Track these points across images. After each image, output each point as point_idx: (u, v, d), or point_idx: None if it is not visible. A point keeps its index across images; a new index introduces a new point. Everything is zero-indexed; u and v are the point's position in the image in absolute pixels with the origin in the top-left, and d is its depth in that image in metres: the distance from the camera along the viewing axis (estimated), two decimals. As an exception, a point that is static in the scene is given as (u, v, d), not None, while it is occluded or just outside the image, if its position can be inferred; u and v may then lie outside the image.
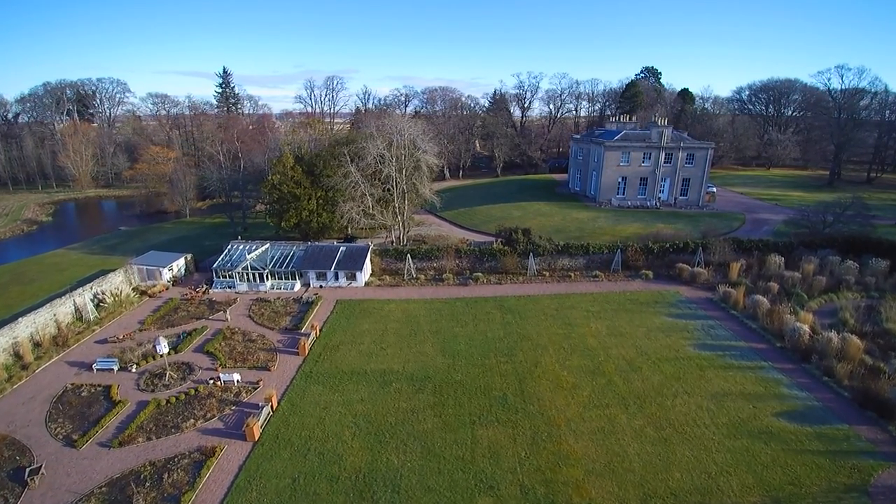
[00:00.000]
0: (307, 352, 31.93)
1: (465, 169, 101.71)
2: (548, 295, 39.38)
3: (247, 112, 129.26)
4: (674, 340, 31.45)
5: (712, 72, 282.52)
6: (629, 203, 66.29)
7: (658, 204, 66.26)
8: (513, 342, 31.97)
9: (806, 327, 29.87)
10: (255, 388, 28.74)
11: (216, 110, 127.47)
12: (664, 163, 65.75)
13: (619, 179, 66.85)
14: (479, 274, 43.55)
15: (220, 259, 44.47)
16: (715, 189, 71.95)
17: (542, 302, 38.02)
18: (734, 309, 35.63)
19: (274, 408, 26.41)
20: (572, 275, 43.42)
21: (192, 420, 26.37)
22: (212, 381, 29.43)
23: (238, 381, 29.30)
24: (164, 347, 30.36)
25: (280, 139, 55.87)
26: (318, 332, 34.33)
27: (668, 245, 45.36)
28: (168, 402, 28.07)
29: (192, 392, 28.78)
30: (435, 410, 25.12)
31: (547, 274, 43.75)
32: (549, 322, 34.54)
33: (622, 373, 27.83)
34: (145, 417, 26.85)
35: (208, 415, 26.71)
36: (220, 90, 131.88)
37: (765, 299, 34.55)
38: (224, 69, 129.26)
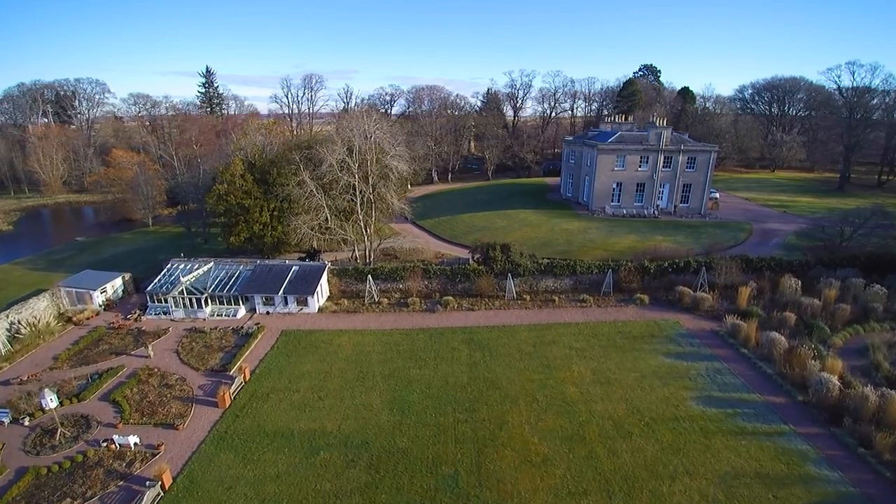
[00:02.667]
0: (228, 403, 26.34)
1: (455, 171, 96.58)
2: (526, 325, 33.76)
3: (233, 112, 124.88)
4: (672, 392, 25.90)
5: (714, 70, 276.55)
6: (624, 211, 61.11)
7: (656, 212, 61.06)
8: (477, 391, 26.43)
9: (835, 379, 24.32)
10: (155, 455, 23.29)
11: (199, 111, 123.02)
12: (663, 167, 60.52)
13: (614, 185, 61.60)
14: (450, 298, 37.94)
15: (156, 280, 39.25)
16: (718, 195, 66.78)
17: (518, 335, 32.44)
18: (745, 347, 29.94)
19: (166, 487, 20.95)
20: (556, 299, 37.82)
21: (68, 499, 21.11)
22: (105, 445, 24.01)
23: (135, 446, 23.77)
24: (50, 402, 25.04)
25: (232, 144, 50.56)
26: (246, 376, 28.64)
27: (666, 264, 40.19)
28: (49, 470, 22.82)
29: (80, 458, 23.24)
30: (365, 496, 19.60)
31: (528, 298, 38.19)
32: (524, 363, 28.99)
33: (607, 440, 22.27)
34: (18, 492, 21.41)
35: (89, 493, 21.24)
36: (203, 90, 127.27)
37: (782, 337, 28.88)
38: (207, 68, 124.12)
